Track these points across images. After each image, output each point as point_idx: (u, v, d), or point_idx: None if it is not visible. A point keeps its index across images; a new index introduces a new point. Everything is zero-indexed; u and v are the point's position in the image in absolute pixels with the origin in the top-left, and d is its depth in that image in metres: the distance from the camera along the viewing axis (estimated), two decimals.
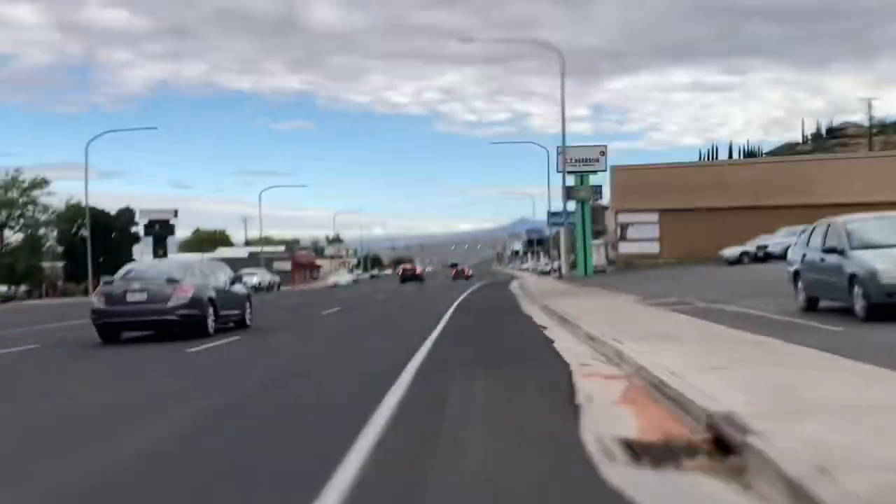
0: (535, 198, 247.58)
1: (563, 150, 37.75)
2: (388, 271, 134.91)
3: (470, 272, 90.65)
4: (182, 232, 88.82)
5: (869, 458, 4.17)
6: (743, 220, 43.99)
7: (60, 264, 63.64)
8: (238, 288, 18.68)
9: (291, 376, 10.07)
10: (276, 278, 67.73)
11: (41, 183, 61.39)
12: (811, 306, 13.76)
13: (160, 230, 67.86)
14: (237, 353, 13.32)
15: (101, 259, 57.35)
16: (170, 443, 6.13)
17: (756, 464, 4.60)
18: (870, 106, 72.65)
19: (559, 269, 50.60)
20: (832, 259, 12.56)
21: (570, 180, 43.25)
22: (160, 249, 67.63)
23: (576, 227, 44.62)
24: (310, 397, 8.23)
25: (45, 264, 62.29)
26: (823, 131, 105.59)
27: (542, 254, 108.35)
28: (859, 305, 11.77)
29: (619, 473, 4.79)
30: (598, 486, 4.54)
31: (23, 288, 52.96)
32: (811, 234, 14.05)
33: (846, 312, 12.21)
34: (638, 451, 5.36)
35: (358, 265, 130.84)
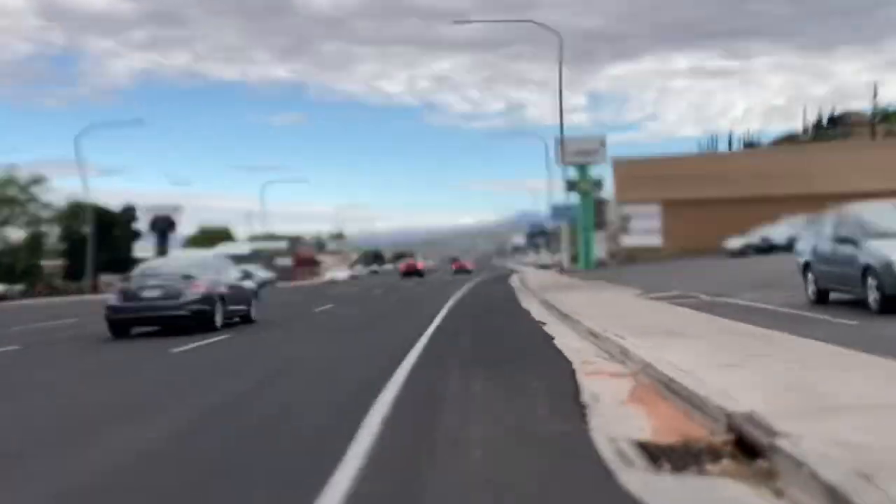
0: (536, 191, 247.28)
1: (562, 141, 37.43)
2: (390, 266, 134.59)
3: (471, 266, 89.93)
4: (185, 228, 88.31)
5: None
6: (745, 210, 43.68)
7: (60, 262, 63.11)
8: (246, 283, 19.34)
9: (277, 376, 9.64)
10: (272, 275, 67.06)
11: (39, 180, 60.89)
12: (821, 299, 13.33)
13: (165, 226, 67.63)
14: (222, 352, 12.88)
15: (102, 257, 57.00)
16: (150, 447, 5.80)
17: (787, 468, 4.32)
18: (875, 92, 72.11)
19: (560, 262, 50.28)
20: (844, 249, 12.11)
21: (571, 172, 42.96)
22: (163, 246, 67.35)
23: (578, 220, 44.31)
24: (299, 397, 7.88)
25: (45, 262, 61.74)
26: (825, 120, 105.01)
27: (543, 247, 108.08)
28: (873, 298, 11.33)
29: (637, 479, 4.49)
30: (616, 493, 4.24)
31: (17, 287, 52.42)
32: (821, 223, 13.63)
33: (858, 305, 11.81)
34: (655, 455, 5.05)
35: (359, 260, 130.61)
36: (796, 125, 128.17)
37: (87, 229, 53.98)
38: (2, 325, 22.24)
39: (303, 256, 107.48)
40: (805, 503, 3.87)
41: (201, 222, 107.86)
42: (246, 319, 18.31)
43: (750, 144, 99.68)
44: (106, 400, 8.34)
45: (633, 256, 45.32)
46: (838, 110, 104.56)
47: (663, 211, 47.74)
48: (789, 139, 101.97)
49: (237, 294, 17.93)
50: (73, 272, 58.86)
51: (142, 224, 69.71)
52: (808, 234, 14.28)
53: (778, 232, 34.98)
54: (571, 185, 42.77)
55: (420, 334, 13.10)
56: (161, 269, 17.83)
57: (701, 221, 45.73)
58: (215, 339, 14.63)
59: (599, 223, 46.31)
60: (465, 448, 5.26)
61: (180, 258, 30.68)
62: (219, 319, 16.43)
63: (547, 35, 41.57)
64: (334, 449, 5.24)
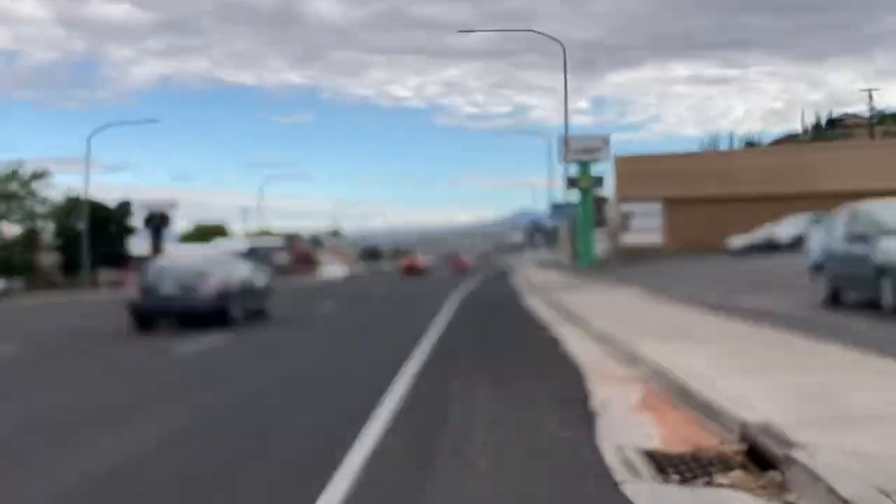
0: (535, 188, 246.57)
1: (566, 140, 37.18)
2: (389, 264, 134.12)
3: (471, 264, 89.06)
4: (181, 224, 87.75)
5: None
6: (747, 209, 43.38)
7: (55, 258, 62.52)
8: (259, 279, 19.47)
9: (278, 384, 9.40)
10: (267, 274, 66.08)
11: (42, 175, 60.35)
12: (834, 300, 12.86)
13: (158, 222, 67.00)
14: (226, 354, 12.69)
15: (98, 252, 56.46)
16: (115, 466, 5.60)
17: (801, 481, 4.17)
18: (871, 96, 71.85)
19: (562, 261, 50.04)
20: (857, 248, 11.70)
21: (573, 170, 42.66)
22: (158, 242, 66.90)
23: (578, 218, 44.03)
24: (292, 408, 7.69)
25: (42, 258, 61.20)
26: (823, 122, 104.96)
27: (543, 245, 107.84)
28: (888, 299, 10.87)
29: (644, 490, 4.37)
30: None
31: (17, 283, 52.02)
32: (832, 221, 13.28)
33: (873, 306, 11.35)
34: (663, 464, 4.91)
35: (358, 258, 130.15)
36: (795, 126, 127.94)
37: (82, 225, 53.51)
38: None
39: (301, 254, 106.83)
40: None
41: (200, 218, 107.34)
42: (260, 316, 18.51)
43: (751, 144, 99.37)
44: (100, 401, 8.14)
45: (635, 255, 45.06)
46: (835, 113, 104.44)
47: (665, 208, 47.45)
48: (789, 139, 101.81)
49: (251, 289, 18.23)
50: (69, 267, 58.38)
51: (137, 220, 69.07)
52: (819, 232, 13.91)
53: (782, 231, 34.53)
54: (572, 182, 42.48)
55: (423, 336, 12.85)
56: (177, 265, 18.10)
57: (703, 219, 45.43)
58: (220, 336, 14.47)
59: (599, 221, 46.02)
60: (469, 459, 5.08)
61: (194, 254, 30.92)
62: (235, 314, 16.67)
63: (549, 46, 41.50)
64: (333, 459, 5.07)
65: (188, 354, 12.15)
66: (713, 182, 48.08)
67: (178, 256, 21.03)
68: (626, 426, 5.86)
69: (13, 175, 59.74)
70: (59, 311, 27.02)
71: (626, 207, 49.24)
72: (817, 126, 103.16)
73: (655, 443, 5.44)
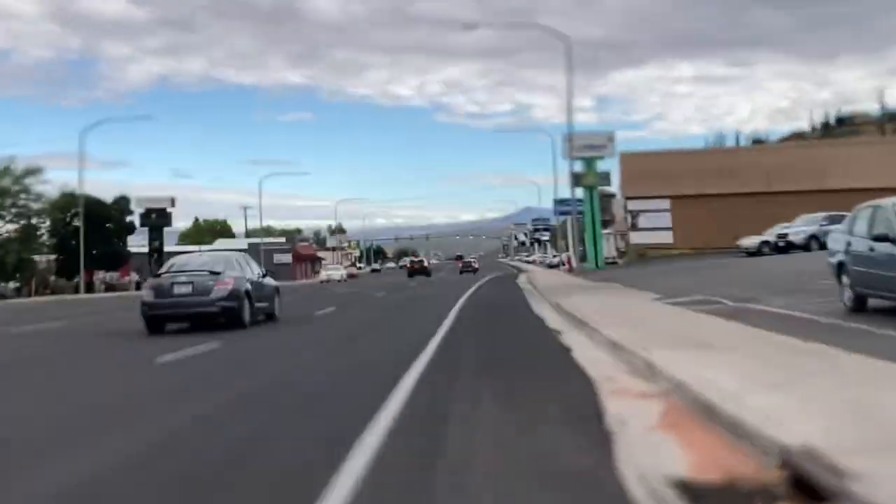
0: (540, 186, 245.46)
1: (569, 135, 36.55)
2: (392, 264, 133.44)
3: (476, 265, 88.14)
4: (183, 222, 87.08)
5: None
6: (757, 206, 42.71)
7: (52, 258, 61.18)
8: (268, 280, 19.55)
9: (258, 396, 8.73)
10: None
11: (35, 170, 59.24)
12: (859, 305, 12.09)
13: (157, 220, 66.03)
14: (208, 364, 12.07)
15: (94, 251, 55.39)
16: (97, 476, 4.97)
17: None
18: (882, 94, 71.28)
19: (568, 261, 49.23)
20: (883, 248, 10.99)
21: (577, 167, 42.05)
22: (156, 240, 66.22)
23: (584, 217, 43.35)
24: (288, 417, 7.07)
25: (38, 258, 59.82)
26: (832, 120, 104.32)
27: (548, 244, 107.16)
28: None
29: None
30: None
31: (12, 285, 50.95)
32: (854, 219, 12.55)
33: None
34: (697, 497, 4.27)
35: (361, 257, 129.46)
36: (802, 125, 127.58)
37: (78, 222, 52.48)
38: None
39: (302, 253, 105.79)
40: None
41: (200, 215, 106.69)
42: (270, 317, 18.55)
43: (758, 141, 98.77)
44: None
45: (644, 255, 44.31)
46: (844, 112, 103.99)
47: (673, 207, 46.73)
48: (797, 137, 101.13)
49: (261, 291, 18.37)
50: (66, 267, 57.09)
51: (135, 216, 67.91)
52: (840, 231, 13.17)
53: (794, 230, 33.67)
54: (577, 179, 41.86)
55: (425, 343, 12.14)
56: (189, 265, 18.10)
57: (712, 218, 44.72)
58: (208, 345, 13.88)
59: (605, 220, 45.38)
60: (471, 490, 4.45)
61: (205, 254, 30.88)
62: (246, 316, 16.76)
63: (552, 44, 40.90)
64: (318, 482, 4.45)
65: (175, 360, 11.56)
66: (722, 179, 47.34)
67: (190, 257, 20.93)
68: (648, 449, 5.22)
69: (6, 171, 58.77)
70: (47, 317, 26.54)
71: (634, 205, 48.53)
72: (826, 124, 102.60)
73: (683, 469, 4.82)
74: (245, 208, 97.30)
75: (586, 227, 43.35)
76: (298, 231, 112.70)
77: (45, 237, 60.68)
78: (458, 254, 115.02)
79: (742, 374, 6.80)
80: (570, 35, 32.79)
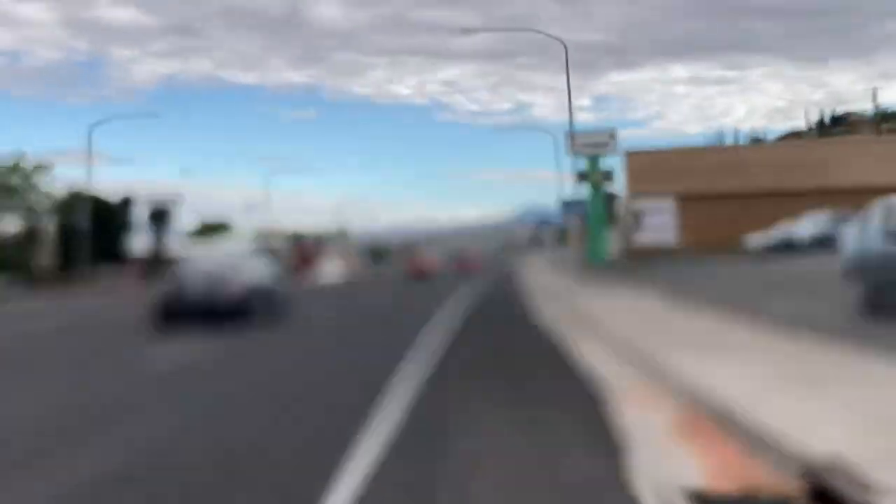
0: (542, 184, 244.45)
1: (571, 132, 36.32)
2: (396, 263, 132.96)
3: (479, 264, 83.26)
4: (187, 218, 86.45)
5: None
6: (763, 205, 42.26)
7: (56, 255, 60.91)
8: (279, 282, 19.65)
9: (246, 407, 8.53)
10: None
11: (44, 167, 58.82)
12: (873, 306, 11.47)
13: (162, 218, 65.89)
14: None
15: (99, 249, 55.13)
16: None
17: None
18: (875, 94, 71.11)
19: (573, 261, 48.88)
20: None
21: (581, 165, 41.75)
22: (161, 238, 65.94)
23: (588, 216, 43.04)
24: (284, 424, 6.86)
25: (42, 255, 59.60)
26: (827, 119, 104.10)
27: (552, 243, 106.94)
28: None
29: None
30: None
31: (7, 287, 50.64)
32: (867, 217, 12.12)
33: None
34: None
35: (363, 258, 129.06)
36: (799, 124, 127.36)
37: (84, 222, 52.29)
38: None
39: (306, 254, 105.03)
40: None
41: (204, 213, 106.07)
42: (280, 316, 18.51)
43: (757, 140, 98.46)
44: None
45: (649, 255, 44.00)
46: (838, 111, 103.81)
47: (678, 205, 46.35)
48: (794, 135, 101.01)
49: (272, 291, 18.60)
50: (69, 265, 56.81)
51: (141, 214, 67.55)
52: (852, 231, 12.79)
53: (801, 229, 33.16)
54: (583, 176, 41.59)
55: (427, 345, 11.90)
56: (203, 264, 18.33)
57: (716, 216, 44.30)
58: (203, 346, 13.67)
59: (610, 219, 45.12)
60: (476, 501, 4.26)
61: (219, 254, 31.33)
62: (258, 314, 16.85)
63: (550, 49, 40.69)
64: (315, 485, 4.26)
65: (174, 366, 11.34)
66: (726, 177, 46.97)
67: (202, 257, 20.98)
68: (663, 458, 5.02)
69: (15, 167, 58.37)
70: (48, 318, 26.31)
71: (639, 204, 48.20)
72: (821, 123, 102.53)
73: (701, 478, 4.63)
74: (249, 207, 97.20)
75: (591, 227, 43.07)
76: (301, 237, 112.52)
77: (51, 235, 60.43)
78: (459, 252, 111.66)
79: (758, 380, 6.58)
80: (566, 42, 32.36)
